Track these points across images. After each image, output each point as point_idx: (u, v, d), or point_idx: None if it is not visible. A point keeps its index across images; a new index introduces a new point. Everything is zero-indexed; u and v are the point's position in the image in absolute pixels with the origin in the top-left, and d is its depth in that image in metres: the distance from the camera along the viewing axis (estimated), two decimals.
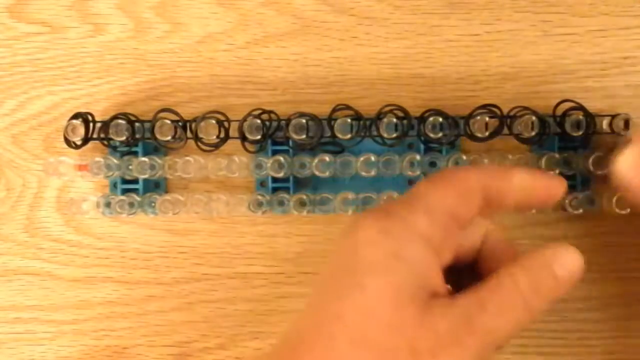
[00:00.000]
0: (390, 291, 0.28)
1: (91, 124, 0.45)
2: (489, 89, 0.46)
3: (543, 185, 0.33)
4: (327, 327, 0.29)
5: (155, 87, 0.47)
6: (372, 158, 0.44)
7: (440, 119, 0.44)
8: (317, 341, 0.29)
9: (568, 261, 0.30)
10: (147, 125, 0.45)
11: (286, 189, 0.46)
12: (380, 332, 0.28)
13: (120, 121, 0.45)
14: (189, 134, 0.44)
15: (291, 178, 0.46)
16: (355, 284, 0.29)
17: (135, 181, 0.46)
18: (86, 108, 0.47)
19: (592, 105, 0.44)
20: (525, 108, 0.44)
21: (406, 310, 0.28)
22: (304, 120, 0.44)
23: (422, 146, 0.45)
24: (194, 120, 0.44)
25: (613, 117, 0.43)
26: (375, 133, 0.44)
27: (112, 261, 0.48)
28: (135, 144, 0.45)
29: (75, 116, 0.45)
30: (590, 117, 0.43)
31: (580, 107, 0.43)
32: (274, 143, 0.46)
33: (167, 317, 0.48)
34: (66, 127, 0.44)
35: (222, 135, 0.44)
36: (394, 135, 0.44)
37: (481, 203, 0.31)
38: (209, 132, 0.44)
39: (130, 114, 0.45)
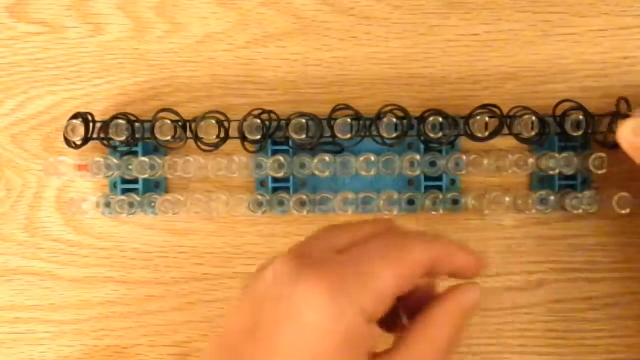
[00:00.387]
0: None
1: (91, 124, 0.45)
2: (489, 89, 0.46)
3: (475, 264, 0.34)
4: None
5: (155, 87, 0.47)
6: (372, 158, 0.44)
7: (440, 119, 0.44)
8: None
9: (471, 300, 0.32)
10: (147, 125, 0.45)
11: (286, 189, 0.46)
12: None
13: (120, 121, 0.45)
14: (189, 134, 0.44)
15: (291, 178, 0.46)
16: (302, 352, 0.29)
17: (135, 181, 0.46)
18: (86, 108, 0.47)
19: (592, 105, 0.44)
20: (525, 108, 0.44)
21: None
22: (304, 120, 0.44)
23: (422, 146, 0.45)
24: (194, 120, 0.44)
25: (613, 116, 0.43)
26: (375, 133, 0.44)
27: (112, 261, 0.48)
28: (135, 144, 0.45)
29: (75, 116, 0.45)
30: (590, 117, 0.43)
31: (580, 107, 0.43)
32: (274, 143, 0.46)
33: (167, 317, 0.48)
34: (66, 127, 0.44)
35: (222, 135, 0.44)
36: (394, 135, 0.44)
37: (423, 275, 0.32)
38: (209, 132, 0.44)
39: (130, 114, 0.45)
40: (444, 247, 0.32)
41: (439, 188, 0.46)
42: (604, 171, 0.43)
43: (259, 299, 0.31)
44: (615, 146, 0.41)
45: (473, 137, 0.44)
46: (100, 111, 0.47)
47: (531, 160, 0.44)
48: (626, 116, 0.41)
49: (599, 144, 0.44)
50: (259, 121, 0.44)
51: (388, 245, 0.32)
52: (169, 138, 0.44)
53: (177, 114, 0.44)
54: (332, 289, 0.29)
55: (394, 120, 0.44)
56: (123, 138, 0.44)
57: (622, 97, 0.43)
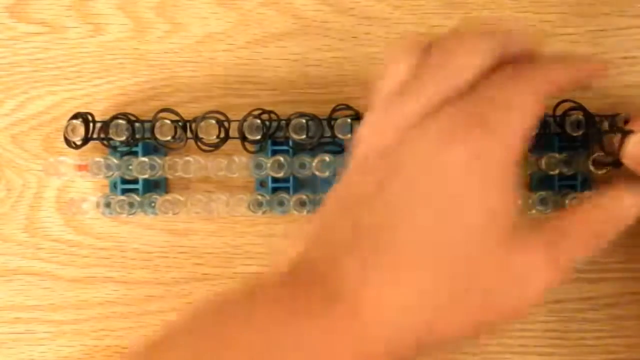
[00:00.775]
0: (482, 231, 0.28)
1: (91, 124, 0.45)
2: None
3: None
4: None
5: (155, 87, 0.47)
6: None
7: None
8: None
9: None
10: (147, 125, 0.45)
11: (286, 189, 0.46)
12: (462, 271, 0.28)
13: (120, 121, 0.45)
14: (189, 134, 0.44)
15: (291, 178, 0.46)
16: (449, 217, 0.28)
17: (135, 181, 0.46)
18: (86, 108, 0.47)
19: (592, 106, 0.44)
20: None
21: (493, 253, 0.29)
22: (304, 120, 0.44)
23: None
24: (194, 120, 0.44)
25: (613, 116, 0.43)
26: None
27: (112, 261, 0.48)
28: (135, 144, 0.45)
29: (75, 116, 0.45)
30: (590, 117, 0.43)
31: (580, 107, 0.43)
32: (274, 143, 0.46)
33: (167, 317, 0.48)
34: (66, 127, 0.44)
35: (222, 135, 0.44)
36: None
37: None
38: (209, 132, 0.44)
39: (130, 114, 0.45)
40: (562, 73, 0.32)
41: None
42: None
43: (384, 171, 0.30)
44: (616, 163, 0.40)
45: None
46: (100, 111, 0.47)
47: (531, 160, 0.44)
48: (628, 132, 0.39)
49: (598, 165, 0.43)
50: (259, 121, 0.44)
51: (517, 76, 0.31)
52: (169, 138, 0.44)
53: (177, 114, 0.44)
54: (472, 153, 0.28)
55: None
56: (123, 138, 0.44)
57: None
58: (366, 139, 0.32)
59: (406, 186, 0.29)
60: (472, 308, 0.29)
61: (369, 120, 0.32)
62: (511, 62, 0.32)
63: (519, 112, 0.29)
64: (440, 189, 0.28)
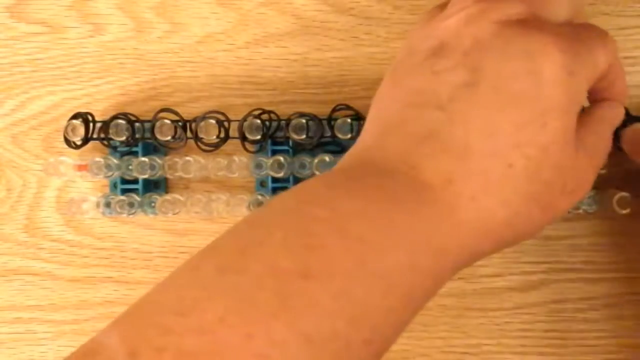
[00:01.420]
0: (564, 134, 0.30)
1: (91, 124, 0.45)
2: None
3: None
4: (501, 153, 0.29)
5: (155, 87, 0.47)
6: None
7: None
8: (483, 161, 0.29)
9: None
10: (147, 125, 0.45)
11: (286, 189, 0.46)
12: (547, 170, 0.30)
13: (120, 121, 0.45)
14: (189, 134, 0.44)
15: (291, 178, 0.46)
16: (537, 119, 0.29)
17: (135, 181, 0.46)
18: (86, 108, 0.47)
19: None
20: None
21: (569, 153, 0.30)
22: (303, 121, 0.44)
23: None
24: (194, 120, 0.44)
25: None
26: None
27: (112, 261, 0.48)
28: (135, 144, 0.45)
29: (75, 116, 0.45)
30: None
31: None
32: (274, 143, 0.45)
33: None
34: (66, 127, 0.44)
35: (222, 135, 0.44)
36: None
37: None
38: (209, 132, 0.44)
39: (130, 113, 0.45)
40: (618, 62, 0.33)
41: None
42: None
43: (477, 54, 0.30)
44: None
45: None
46: (100, 111, 0.47)
47: None
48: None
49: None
50: (258, 121, 0.44)
51: (596, 28, 0.32)
52: (169, 138, 0.44)
53: (177, 113, 0.44)
54: (568, 47, 0.29)
55: None
56: (123, 138, 0.44)
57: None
58: (435, 34, 0.32)
59: (496, 83, 0.29)
60: (548, 198, 0.31)
61: (447, 15, 0.32)
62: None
63: (598, 54, 0.31)
64: (530, 90, 0.29)
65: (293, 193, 0.30)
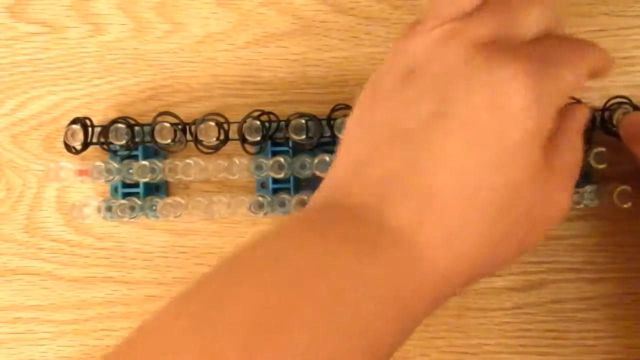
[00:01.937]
0: (533, 168, 0.30)
1: (90, 129, 0.45)
2: None
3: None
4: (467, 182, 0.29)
5: (155, 87, 0.47)
6: None
7: None
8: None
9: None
10: (146, 128, 0.45)
11: (287, 190, 0.46)
12: (518, 206, 0.30)
13: (119, 125, 0.44)
14: (188, 137, 0.44)
15: (292, 179, 0.46)
16: (505, 156, 0.29)
17: (136, 185, 0.46)
18: (86, 108, 0.47)
19: (591, 105, 0.44)
20: None
21: (539, 185, 0.30)
22: (303, 121, 0.44)
23: None
24: (194, 122, 0.44)
25: (613, 111, 0.43)
26: None
27: (112, 261, 0.48)
28: (135, 148, 0.45)
29: (74, 121, 0.45)
30: (590, 113, 0.43)
31: (576, 102, 0.43)
32: (274, 144, 0.45)
33: None
34: (66, 133, 0.44)
35: (222, 137, 0.44)
36: None
37: None
38: (209, 134, 0.44)
39: (129, 117, 0.45)
40: (601, 55, 0.32)
41: None
42: (604, 166, 0.43)
43: (442, 86, 0.30)
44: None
45: None
46: (100, 111, 0.47)
47: None
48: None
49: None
50: (258, 122, 0.44)
51: (569, 44, 0.32)
52: (168, 141, 0.44)
53: (176, 116, 0.44)
54: (533, 82, 0.29)
55: None
56: (123, 142, 0.44)
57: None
58: (411, 55, 0.31)
59: (463, 117, 0.29)
60: (521, 233, 0.30)
61: (421, 35, 0.32)
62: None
63: (567, 74, 0.30)
64: (497, 126, 0.29)
65: (265, 245, 0.30)
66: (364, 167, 0.31)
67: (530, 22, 0.31)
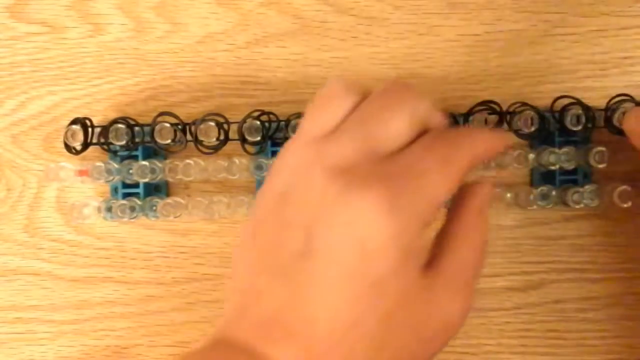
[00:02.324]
0: (406, 294, 0.29)
1: (90, 129, 0.45)
2: (489, 89, 0.46)
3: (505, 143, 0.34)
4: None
5: (155, 87, 0.47)
6: None
7: None
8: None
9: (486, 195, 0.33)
10: (146, 129, 0.45)
11: None
12: (398, 335, 0.29)
13: (119, 125, 0.44)
14: (188, 137, 0.44)
15: None
16: (372, 290, 0.28)
17: (136, 185, 0.46)
18: (86, 108, 0.47)
19: (592, 105, 0.44)
20: (524, 104, 0.44)
21: (419, 306, 0.30)
22: None
23: None
24: (194, 122, 0.44)
25: (613, 111, 0.43)
26: None
27: (112, 261, 0.48)
28: (135, 148, 0.45)
29: (74, 121, 0.45)
30: (590, 112, 0.43)
31: (577, 102, 0.43)
32: (274, 144, 0.45)
33: (167, 317, 0.48)
34: (66, 133, 0.44)
35: (222, 137, 0.44)
36: None
37: None
38: (209, 134, 0.44)
39: (129, 117, 0.45)
40: (482, 142, 0.32)
41: None
42: (604, 165, 0.43)
43: (307, 219, 0.29)
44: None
45: None
46: (100, 111, 0.47)
47: (531, 156, 0.44)
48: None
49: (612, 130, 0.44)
50: (258, 122, 0.44)
51: (437, 148, 0.31)
52: (168, 141, 0.44)
53: (176, 117, 0.44)
54: (391, 205, 0.28)
55: None
56: (123, 142, 0.44)
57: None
58: (285, 174, 0.31)
59: (326, 255, 0.29)
60: (417, 352, 0.30)
61: (292, 152, 0.32)
62: (432, 131, 0.32)
63: (428, 192, 0.30)
64: (359, 262, 0.29)
65: None
66: (248, 306, 0.30)
67: (393, 134, 0.31)
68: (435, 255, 0.31)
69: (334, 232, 0.29)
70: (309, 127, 0.32)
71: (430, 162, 0.30)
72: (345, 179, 0.29)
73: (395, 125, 0.31)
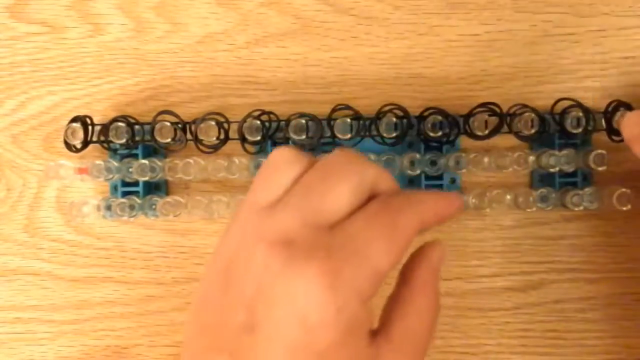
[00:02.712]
0: (345, 354, 0.29)
1: (90, 127, 0.45)
2: (489, 89, 0.46)
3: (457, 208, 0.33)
4: None
5: (155, 87, 0.47)
6: (373, 157, 0.44)
7: (440, 118, 0.44)
8: None
9: (437, 258, 0.32)
10: (146, 127, 0.45)
11: None
12: None
13: (119, 124, 0.44)
14: (188, 136, 0.44)
15: None
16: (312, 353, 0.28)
17: (136, 184, 0.46)
18: (86, 108, 0.47)
19: (591, 105, 0.44)
20: (525, 106, 0.44)
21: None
22: (303, 121, 0.44)
23: (422, 145, 0.45)
24: (194, 122, 0.44)
25: (612, 112, 0.43)
26: (374, 133, 0.44)
27: (112, 261, 0.48)
28: (135, 147, 0.45)
29: (74, 119, 0.45)
30: (590, 114, 0.43)
31: (577, 105, 0.43)
32: (274, 144, 0.45)
33: (167, 317, 0.48)
34: (66, 131, 0.44)
35: (222, 136, 0.44)
36: (394, 134, 0.44)
37: None
38: (209, 133, 0.44)
39: (129, 116, 0.45)
40: (431, 206, 0.31)
41: (440, 187, 0.46)
42: (604, 168, 0.43)
43: (250, 294, 0.29)
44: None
45: (473, 136, 0.44)
46: (100, 111, 0.47)
47: (531, 158, 0.44)
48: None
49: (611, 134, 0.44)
50: (258, 122, 0.44)
51: (381, 217, 0.30)
52: (168, 140, 0.44)
53: (176, 115, 0.44)
54: (332, 280, 0.28)
55: (394, 119, 0.44)
56: (123, 141, 0.44)
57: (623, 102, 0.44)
58: (231, 246, 0.31)
59: (268, 331, 0.29)
60: None
61: (238, 223, 0.32)
62: (378, 198, 0.32)
63: (370, 264, 0.29)
64: (301, 338, 0.28)
65: None
66: None
67: (337, 204, 0.30)
68: (384, 322, 0.31)
69: (276, 307, 0.29)
70: (254, 198, 0.32)
71: (374, 232, 0.30)
72: (287, 253, 0.29)
73: (339, 195, 0.30)
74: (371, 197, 0.31)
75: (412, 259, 0.32)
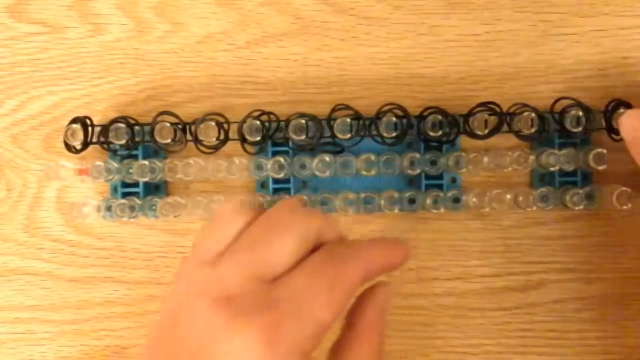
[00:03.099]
0: None
1: (90, 128, 0.45)
2: (489, 89, 0.46)
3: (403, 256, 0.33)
4: None
5: (155, 87, 0.47)
6: (372, 157, 0.44)
7: (440, 117, 0.44)
8: None
9: (384, 299, 0.32)
10: (146, 128, 0.45)
11: (287, 190, 0.46)
12: None
13: (119, 125, 0.44)
14: (188, 137, 0.44)
15: (291, 179, 0.46)
16: None
17: (136, 184, 0.46)
18: (86, 108, 0.47)
19: (592, 105, 0.44)
20: (525, 105, 0.44)
21: None
22: (303, 121, 0.44)
23: (422, 145, 0.45)
24: (194, 122, 0.44)
25: (612, 112, 0.43)
26: (374, 132, 0.44)
27: (112, 261, 0.48)
28: (135, 147, 0.45)
29: (74, 120, 0.45)
30: (590, 113, 0.43)
31: (577, 104, 0.43)
32: (274, 144, 0.46)
33: None
34: (66, 132, 0.44)
35: (222, 137, 0.44)
36: (394, 134, 0.44)
37: None
38: (209, 134, 0.44)
39: (129, 117, 0.45)
40: (376, 257, 0.32)
41: (440, 187, 0.46)
42: (604, 167, 0.43)
43: (193, 348, 0.29)
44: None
45: (473, 135, 0.44)
46: (100, 111, 0.47)
47: (531, 157, 0.44)
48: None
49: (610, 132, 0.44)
50: (258, 122, 0.44)
51: (324, 270, 0.30)
52: (168, 141, 0.44)
53: (176, 116, 0.44)
54: (271, 337, 0.28)
55: (394, 119, 0.44)
56: (123, 141, 0.44)
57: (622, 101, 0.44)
58: (178, 296, 0.32)
59: None
60: None
61: (185, 274, 0.32)
62: (323, 247, 0.32)
63: (312, 319, 0.29)
64: None
65: None
66: None
67: (280, 257, 0.30)
68: None
69: None
70: (198, 251, 0.32)
71: (316, 287, 0.30)
72: (230, 310, 0.29)
73: (282, 248, 0.30)
74: (317, 246, 0.31)
75: (358, 301, 0.32)
